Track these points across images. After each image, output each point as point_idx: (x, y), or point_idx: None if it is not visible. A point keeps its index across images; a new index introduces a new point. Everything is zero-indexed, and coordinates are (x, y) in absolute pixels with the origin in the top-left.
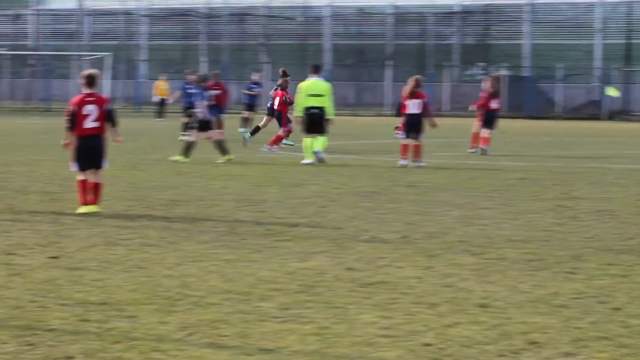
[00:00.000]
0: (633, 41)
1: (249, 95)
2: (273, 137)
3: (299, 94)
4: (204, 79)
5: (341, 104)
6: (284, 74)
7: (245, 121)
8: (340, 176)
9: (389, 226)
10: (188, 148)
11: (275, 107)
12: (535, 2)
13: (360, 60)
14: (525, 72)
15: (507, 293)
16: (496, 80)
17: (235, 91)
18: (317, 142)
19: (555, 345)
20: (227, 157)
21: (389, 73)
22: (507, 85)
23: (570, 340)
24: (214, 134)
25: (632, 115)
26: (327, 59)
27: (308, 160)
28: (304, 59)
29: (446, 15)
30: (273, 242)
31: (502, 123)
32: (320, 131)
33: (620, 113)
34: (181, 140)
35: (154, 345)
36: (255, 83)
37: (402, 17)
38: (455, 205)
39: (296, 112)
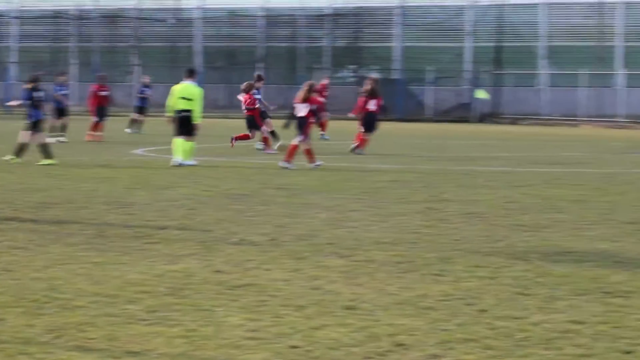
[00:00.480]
0: (503, 44)
1: (141, 98)
2: (264, 141)
3: (171, 96)
4: (34, 79)
5: (212, 106)
6: (259, 79)
7: (133, 122)
8: (210, 178)
9: (258, 228)
10: (20, 149)
11: (245, 111)
12: (406, 4)
13: (231, 63)
14: (396, 75)
15: (375, 295)
16: (375, 82)
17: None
18: (181, 151)
19: (422, 347)
20: (49, 161)
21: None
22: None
23: (436, 342)
24: (40, 136)
25: (502, 118)
26: (198, 61)
27: (176, 159)
28: (175, 62)
29: (317, 18)
30: (142, 244)
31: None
32: (188, 133)
33: (490, 115)
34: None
35: (20, 348)
36: (146, 86)
37: (272, 19)
38: (324, 208)
39: (167, 113)
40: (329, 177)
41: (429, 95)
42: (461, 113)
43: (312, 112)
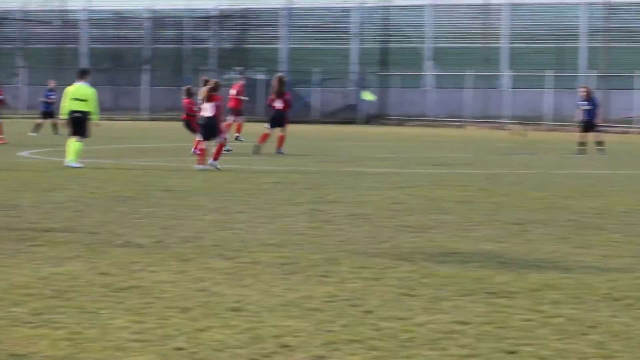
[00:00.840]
0: (389, 46)
1: (46, 102)
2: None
3: (65, 98)
4: None
5: (98, 108)
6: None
7: (38, 127)
8: (96, 180)
9: (144, 231)
10: None
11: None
12: (292, 6)
13: (117, 65)
14: None
15: (260, 297)
16: (280, 80)
17: None
18: (70, 151)
19: (307, 348)
20: None
21: (146, 77)
22: (264, 89)
23: (321, 343)
24: None
25: (388, 119)
26: (84, 63)
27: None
28: (61, 63)
29: (203, 19)
30: (27, 247)
31: (258, 127)
32: (82, 134)
33: (377, 117)
34: None
35: None
36: (52, 90)
37: (159, 21)
38: (210, 210)
39: (61, 115)
40: (215, 179)
41: (315, 97)
42: (347, 114)
43: (218, 111)
